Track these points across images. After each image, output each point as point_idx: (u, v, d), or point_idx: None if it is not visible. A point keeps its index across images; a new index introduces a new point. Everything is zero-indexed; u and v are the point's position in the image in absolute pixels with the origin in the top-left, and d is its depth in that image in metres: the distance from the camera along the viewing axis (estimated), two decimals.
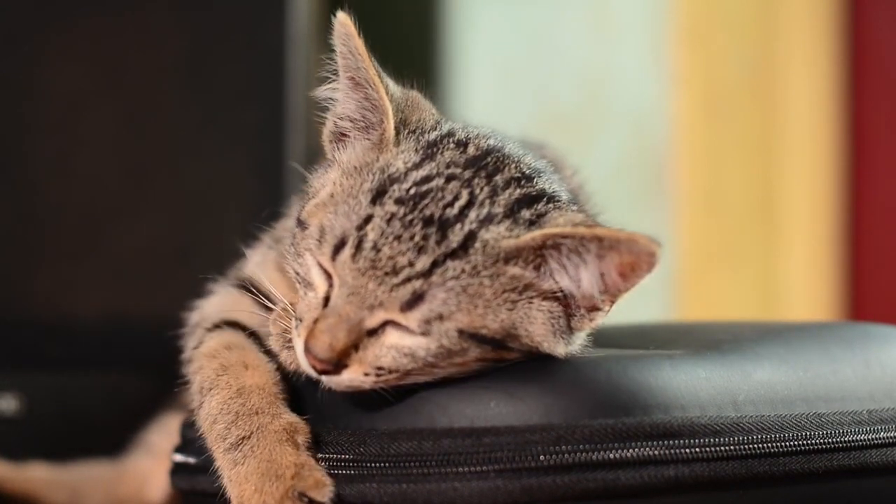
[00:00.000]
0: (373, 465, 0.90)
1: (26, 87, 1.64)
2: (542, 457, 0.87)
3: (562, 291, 0.90)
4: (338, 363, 0.88)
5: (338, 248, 0.89)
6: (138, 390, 1.04)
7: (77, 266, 1.64)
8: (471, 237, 0.89)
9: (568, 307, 0.91)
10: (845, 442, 0.94)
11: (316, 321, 0.89)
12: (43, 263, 1.64)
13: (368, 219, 0.89)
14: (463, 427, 0.89)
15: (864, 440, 0.95)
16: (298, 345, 0.90)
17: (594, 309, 0.91)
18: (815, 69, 2.48)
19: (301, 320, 0.91)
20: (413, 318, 0.88)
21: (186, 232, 1.63)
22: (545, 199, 0.93)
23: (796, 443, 0.92)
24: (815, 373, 0.98)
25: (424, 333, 0.88)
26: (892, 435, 0.97)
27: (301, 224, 0.94)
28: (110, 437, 1.38)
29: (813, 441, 0.93)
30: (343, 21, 0.95)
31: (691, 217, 2.38)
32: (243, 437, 0.92)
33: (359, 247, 0.88)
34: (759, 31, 2.42)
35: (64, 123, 1.64)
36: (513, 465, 0.87)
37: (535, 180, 0.94)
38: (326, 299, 0.90)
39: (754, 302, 2.43)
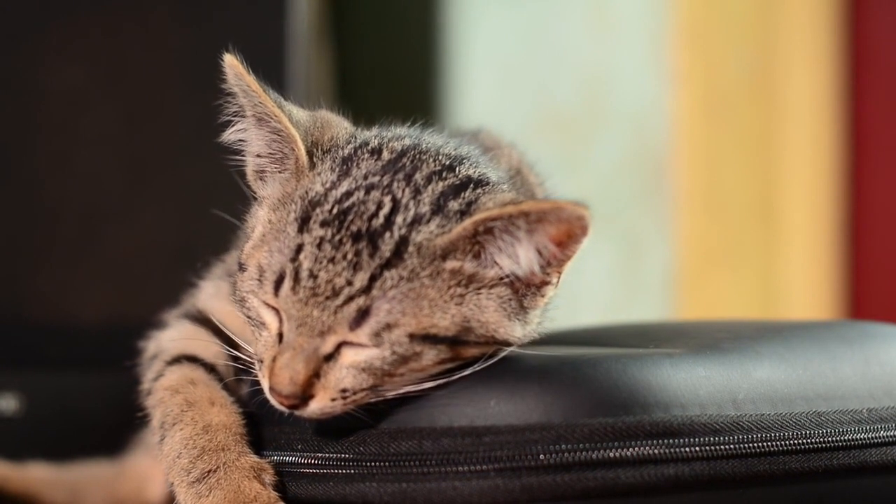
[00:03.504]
0: (373, 464, 0.90)
1: (26, 86, 1.64)
2: (542, 456, 0.87)
3: (507, 275, 0.90)
4: (304, 395, 0.89)
5: (278, 283, 0.89)
6: (138, 390, 1.04)
7: (77, 266, 1.64)
8: (403, 243, 0.89)
9: (517, 289, 0.91)
10: (845, 441, 0.94)
11: (274, 359, 0.89)
12: (43, 264, 1.64)
13: (300, 248, 0.89)
14: (463, 426, 0.89)
15: (864, 439, 0.95)
16: (265, 385, 0.90)
17: (543, 284, 0.92)
18: (816, 69, 2.48)
19: (262, 361, 0.91)
20: (363, 334, 0.88)
21: (186, 232, 1.63)
22: (471, 185, 0.93)
23: (796, 441, 0.92)
24: (814, 371, 0.98)
25: (377, 345, 0.88)
26: (891, 434, 0.97)
27: (241, 267, 0.94)
28: (110, 437, 1.38)
29: (813, 440, 0.93)
30: (231, 63, 0.95)
31: (691, 217, 2.38)
32: (209, 471, 0.92)
33: (296, 278, 0.88)
34: (759, 31, 2.42)
35: (64, 123, 1.65)
36: (513, 464, 0.87)
37: (457, 169, 0.94)
38: (280, 335, 0.90)
39: (754, 302, 2.43)
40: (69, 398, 1.60)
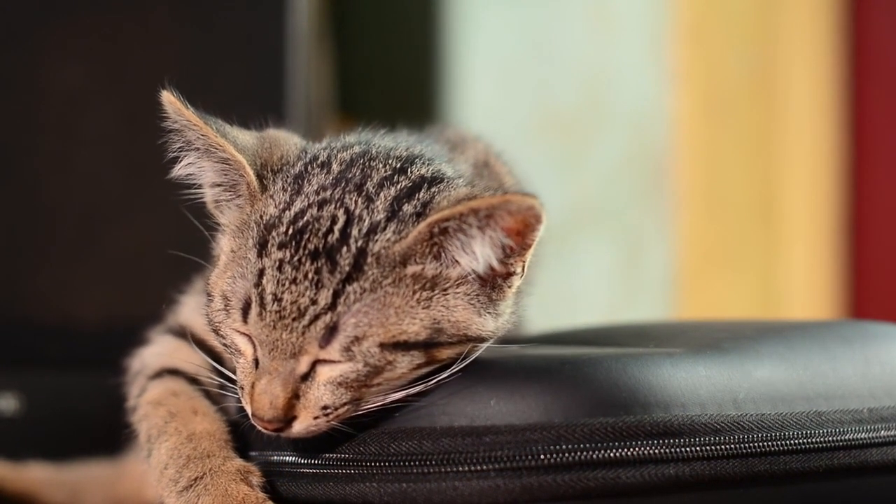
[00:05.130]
0: (373, 464, 0.90)
1: (27, 86, 1.64)
2: (542, 455, 0.87)
3: (469, 272, 0.90)
4: (286, 418, 0.89)
5: (245, 311, 0.89)
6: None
7: (77, 266, 1.64)
8: (361, 254, 0.88)
9: (483, 284, 0.91)
10: (845, 440, 0.94)
11: (253, 385, 0.89)
12: (43, 263, 1.64)
13: (261, 273, 0.89)
14: (463, 426, 0.88)
15: (865, 438, 0.95)
16: (248, 411, 0.90)
17: (508, 275, 0.91)
18: (816, 69, 2.48)
19: (243, 388, 0.91)
20: (334, 350, 0.88)
21: (186, 232, 1.63)
22: (425, 184, 0.92)
23: (797, 441, 0.92)
24: (815, 371, 0.98)
25: (349, 359, 0.88)
26: (892, 433, 0.97)
27: (208, 296, 0.94)
28: (110, 437, 1.38)
29: (813, 439, 0.93)
30: (168, 99, 0.95)
31: (691, 217, 2.38)
32: (196, 478, 0.92)
33: (262, 303, 0.88)
34: (759, 30, 2.42)
35: (64, 123, 1.64)
36: (513, 463, 0.87)
37: (408, 170, 0.93)
38: (256, 361, 0.90)
39: (754, 302, 2.43)
40: (69, 398, 1.60)
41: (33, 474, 1.38)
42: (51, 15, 1.64)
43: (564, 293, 2.36)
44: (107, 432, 1.37)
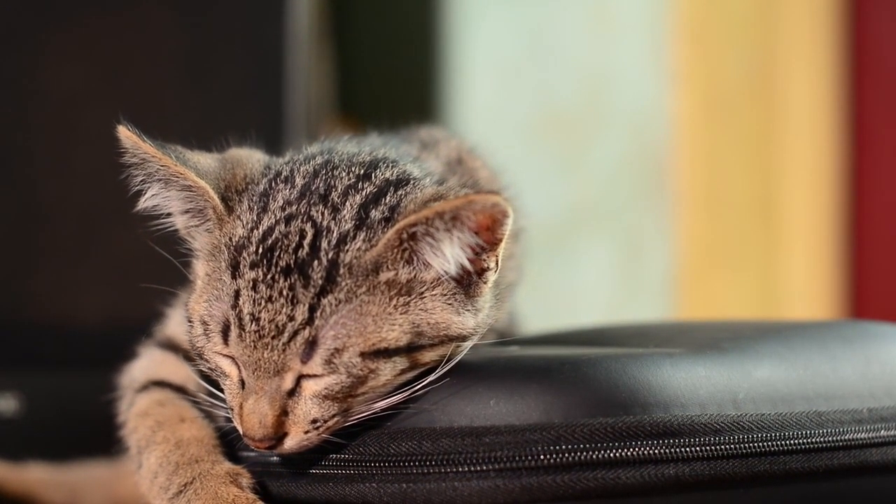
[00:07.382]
0: (373, 464, 0.90)
1: (26, 86, 1.64)
2: (542, 456, 0.87)
3: (442, 274, 0.90)
4: (276, 435, 0.89)
5: (225, 333, 0.89)
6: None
7: (76, 266, 1.64)
8: (333, 266, 0.88)
9: (458, 282, 0.91)
10: (845, 440, 0.94)
11: (241, 405, 0.90)
12: (43, 264, 1.64)
13: (237, 294, 0.89)
14: (462, 426, 0.88)
15: (865, 439, 0.95)
16: (240, 431, 0.91)
17: (483, 271, 0.91)
18: (816, 69, 2.48)
19: (232, 409, 0.91)
20: (316, 364, 0.87)
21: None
22: (391, 188, 0.92)
23: (796, 441, 0.92)
24: (815, 371, 0.98)
25: (332, 371, 0.88)
26: (892, 433, 0.97)
27: (188, 322, 0.94)
28: (110, 437, 1.38)
29: (813, 439, 0.93)
30: (125, 134, 0.95)
31: (691, 217, 2.38)
32: (185, 484, 0.93)
33: (240, 324, 0.88)
34: (759, 30, 2.43)
35: (64, 123, 1.64)
36: (513, 464, 0.87)
37: (372, 175, 0.93)
38: (242, 381, 0.90)
39: (754, 302, 2.43)
40: (69, 398, 1.60)
41: (33, 475, 1.38)
42: (51, 15, 1.64)
43: (564, 293, 2.36)
44: (107, 432, 1.38)
